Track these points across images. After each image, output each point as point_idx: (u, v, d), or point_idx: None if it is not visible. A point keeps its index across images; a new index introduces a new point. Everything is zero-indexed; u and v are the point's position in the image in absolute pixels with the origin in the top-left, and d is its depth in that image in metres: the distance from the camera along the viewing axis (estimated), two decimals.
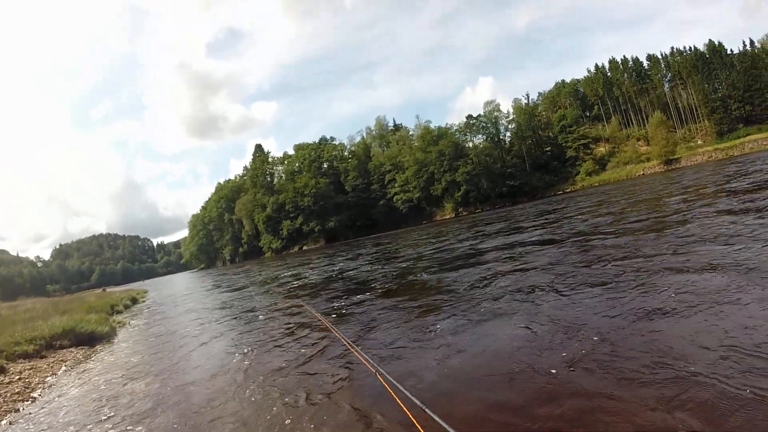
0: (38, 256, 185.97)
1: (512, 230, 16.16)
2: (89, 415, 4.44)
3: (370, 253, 21.75)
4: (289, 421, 3.30)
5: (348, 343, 4.66)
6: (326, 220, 76.19)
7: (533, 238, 11.93)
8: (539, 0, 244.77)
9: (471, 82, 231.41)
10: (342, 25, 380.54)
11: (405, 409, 2.77)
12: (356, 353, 4.20)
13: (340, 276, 13.66)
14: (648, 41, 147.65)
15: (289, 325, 7.14)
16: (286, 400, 3.73)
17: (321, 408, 3.42)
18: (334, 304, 8.31)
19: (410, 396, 2.69)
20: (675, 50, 71.62)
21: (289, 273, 20.25)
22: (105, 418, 4.28)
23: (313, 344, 5.55)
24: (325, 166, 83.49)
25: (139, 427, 3.84)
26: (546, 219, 17.70)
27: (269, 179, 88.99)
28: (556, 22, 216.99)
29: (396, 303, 7.10)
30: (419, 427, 2.50)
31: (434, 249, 15.60)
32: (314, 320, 6.89)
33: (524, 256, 8.95)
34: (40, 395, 5.67)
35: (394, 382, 2.99)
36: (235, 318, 9.53)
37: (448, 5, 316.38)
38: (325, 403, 3.50)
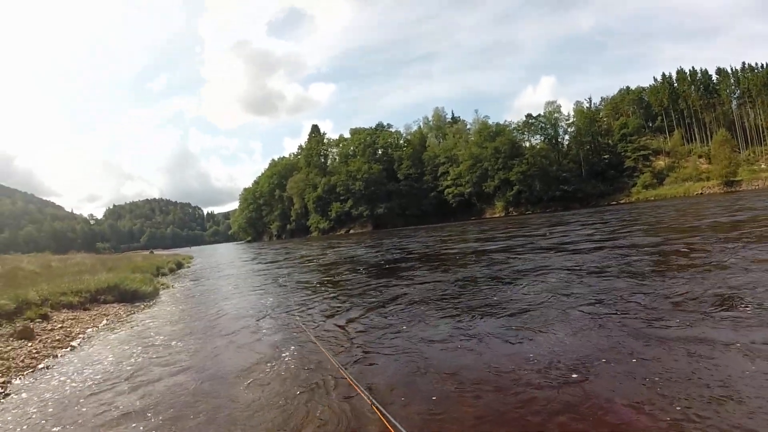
0: (91, 215, 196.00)
1: None
2: (122, 369, 4.59)
3: (392, 242, 23.80)
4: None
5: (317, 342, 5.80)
6: (376, 206, 77.79)
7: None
8: (605, 2, 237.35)
9: (533, 81, 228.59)
10: (403, 14, 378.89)
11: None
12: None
13: (349, 260, 16.52)
14: (715, 54, 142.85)
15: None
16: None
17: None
18: (325, 277, 11.17)
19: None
20: (746, 66, 69.95)
21: (317, 252, 23.59)
22: (138, 370, 4.46)
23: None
24: (380, 152, 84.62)
25: (168, 388, 3.91)
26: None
27: (323, 160, 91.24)
28: (622, 26, 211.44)
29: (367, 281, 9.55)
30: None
31: (442, 247, 17.61)
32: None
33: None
34: (79, 344, 5.84)
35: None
36: (265, 283, 11.86)
37: (510, 1, 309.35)
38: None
